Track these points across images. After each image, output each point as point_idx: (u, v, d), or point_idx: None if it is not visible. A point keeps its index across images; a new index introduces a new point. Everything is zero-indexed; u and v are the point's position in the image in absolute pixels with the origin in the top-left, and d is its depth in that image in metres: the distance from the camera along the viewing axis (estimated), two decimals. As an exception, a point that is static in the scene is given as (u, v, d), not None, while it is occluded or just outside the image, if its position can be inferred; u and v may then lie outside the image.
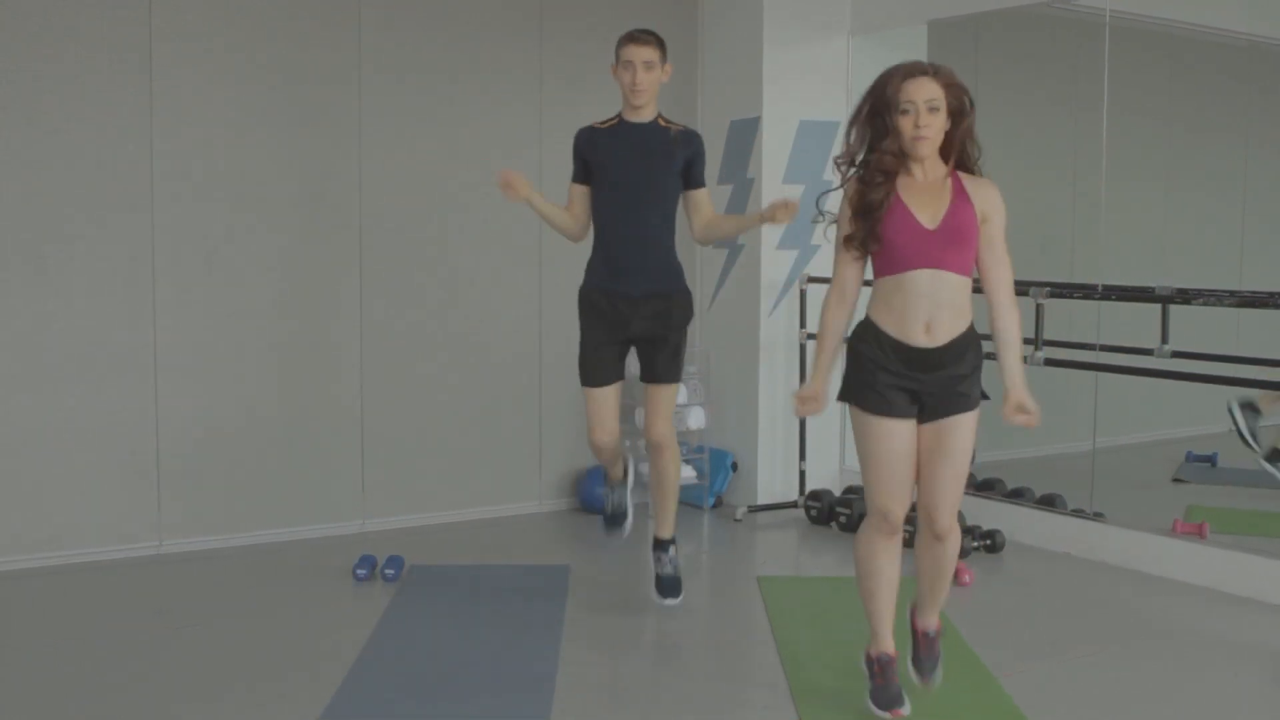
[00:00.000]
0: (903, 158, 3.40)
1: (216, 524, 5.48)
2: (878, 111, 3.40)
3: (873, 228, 3.40)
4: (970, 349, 3.44)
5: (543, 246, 6.16)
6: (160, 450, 5.34)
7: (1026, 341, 5.30)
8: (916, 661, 3.66)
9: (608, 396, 4.40)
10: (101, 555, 5.23)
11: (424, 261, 5.90)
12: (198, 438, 5.41)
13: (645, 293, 4.34)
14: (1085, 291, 5.28)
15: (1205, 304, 4.93)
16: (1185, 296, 4.94)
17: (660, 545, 4.60)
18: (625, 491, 4.68)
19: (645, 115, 4.44)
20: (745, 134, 6.16)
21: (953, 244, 3.37)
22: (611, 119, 4.51)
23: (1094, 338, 5.62)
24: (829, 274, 6.39)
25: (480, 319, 6.04)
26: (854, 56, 6.25)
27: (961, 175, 3.46)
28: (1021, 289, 5.23)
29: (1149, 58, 6.68)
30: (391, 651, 4.13)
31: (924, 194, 3.41)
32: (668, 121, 4.47)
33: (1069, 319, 5.67)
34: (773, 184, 6.06)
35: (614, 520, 4.69)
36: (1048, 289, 5.24)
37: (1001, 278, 3.46)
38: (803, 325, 6.14)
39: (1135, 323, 5.30)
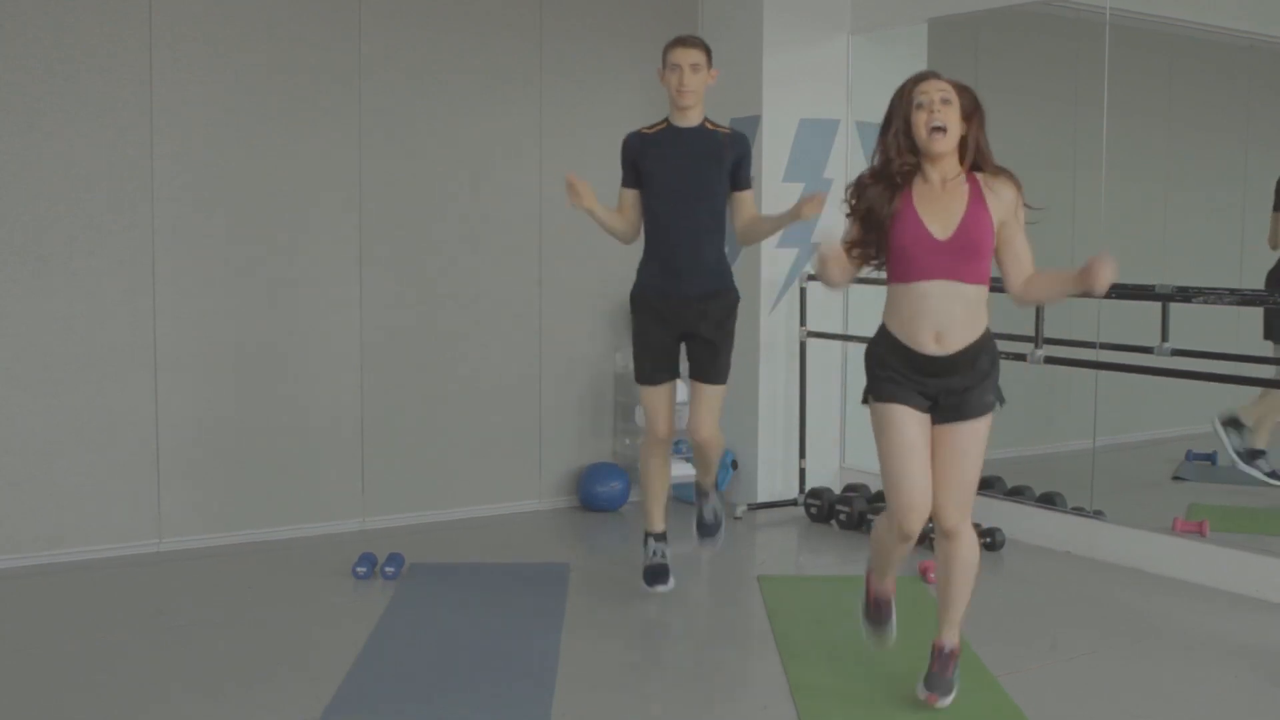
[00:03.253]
0: (916, 156, 3.39)
1: (216, 522, 5.48)
2: (895, 121, 3.42)
3: (881, 237, 3.41)
4: (983, 354, 3.43)
5: (543, 245, 6.16)
6: (160, 448, 5.34)
7: (1026, 339, 5.32)
8: (928, 679, 3.58)
9: (664, 394, 4.57)
10: (101, 553, 5.23)
11: (424, 259, 5.89)
12: (197, 435, 5.41)
13: (697, 293, 4.46)
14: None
15: (1205, 302, 4.93)
16: (1185, 295, 4.94)
17: (703, 492, 4.83)
18: (666, 547, 4.78)
19: (692, 118, 4.51)
20: (746, 132, 6.14)
21: (966, 255, 3.36)
22: (659, 124, 4.59)
23: (1094, 336, 5.62)
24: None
25: (480, 317, 6.04)
26: (854, 55, 6.25)
27: (979, 176, 3.44)
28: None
29: (1149, 56, 6.68)
30: (392, 649, 4.13)
31: (938, 201, 3.39)
32: (714, 125, 4.55)
33: (1069, 317, 5.67)
34: (773, 183, 6.06)
35: (656, 574, 4.72)
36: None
37: (1022, 273, 3.49)
38: (803, 323, 6.14)
39: (1135, 321, 5.30)
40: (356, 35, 5.68)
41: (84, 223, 5.15)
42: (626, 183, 4.57)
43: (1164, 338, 5.04)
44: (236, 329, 5.48)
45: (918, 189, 3.41)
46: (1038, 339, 5.26)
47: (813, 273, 3.49)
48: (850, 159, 6.18)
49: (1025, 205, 3.46)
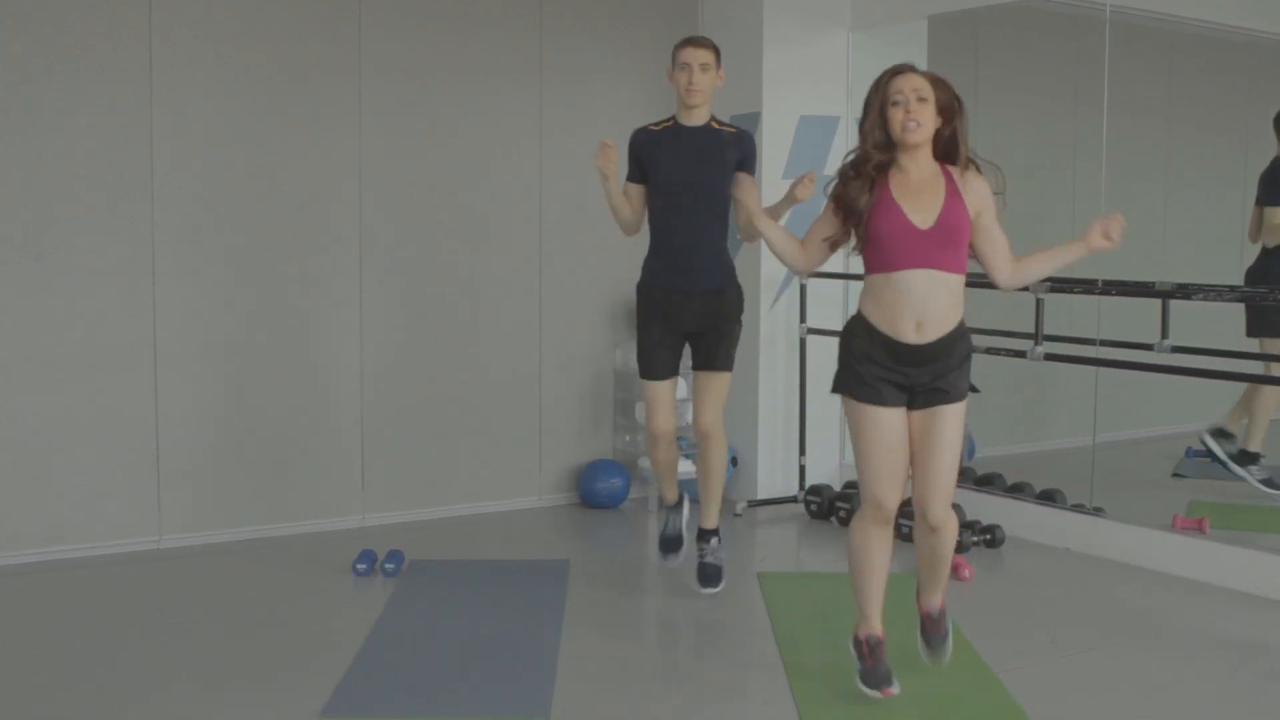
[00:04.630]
0: (891, 149, 3.44)
1: (216, 519, 5.48)
2: (871, 113, 3.47)
3: (859, 227, 3.46)
4: (960, 342, 3.48)
5: (543, 242, 6.16)
6: (160, 445, 5.34)
7: (1027, 336, 5.32)
8: (924, 637, 3.77)
9: (666, 389, 4.58)
10: (101, 550, 5.23)
11: (424, 256, 5.89)
12: (198, 433, 5.41)
13: (700, 289, 4.49)
14: (1085, 286, 5.28)
15: (1205, 299, 4.93)
16: (1185, 292, 4.93)
17: (704, 535, 4.74)
18: (681, 517, 4.82)
19: (699, 118, 4.54)
20: (746, 129, 6.14)
21: (947, 244, 3.41)
22: (665, 121, 4.61)
23: (1094, 333, 5.62)
24: (829, 269, 6.40)
25: (480, 314, 6.04)
26: (854, 52, 6.25)
27: (951, 170, 3.49)
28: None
29: (1149, 53, 6.68)
30: (392, 646, 4.13)
31: (917, 191, 3.44)
32: (720, 124, 4.57)
33: (1069, 314, 5.67)
34: (773, 179, 6.05)
35: (669, 544, 4.80)
36: (1047, 284, 5.24)
37: (1001, 255, 3.53)
38: (803, 320, 6.14)
39: (1135, 318, 5.30)
40: (356, 33, 5.67)
41: (84, 221, 5.15)
42: (631, 177, 4.59)
43: (1164, 335, 5.04)
44: (236, 326, 5.48)
45: (895, 180, 3.46)
46: (1038, 336, 5.26)
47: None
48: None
49: (996, 194, 3.53)
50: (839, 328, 6.20)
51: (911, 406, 3.50)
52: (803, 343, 6.16)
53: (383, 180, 5.77)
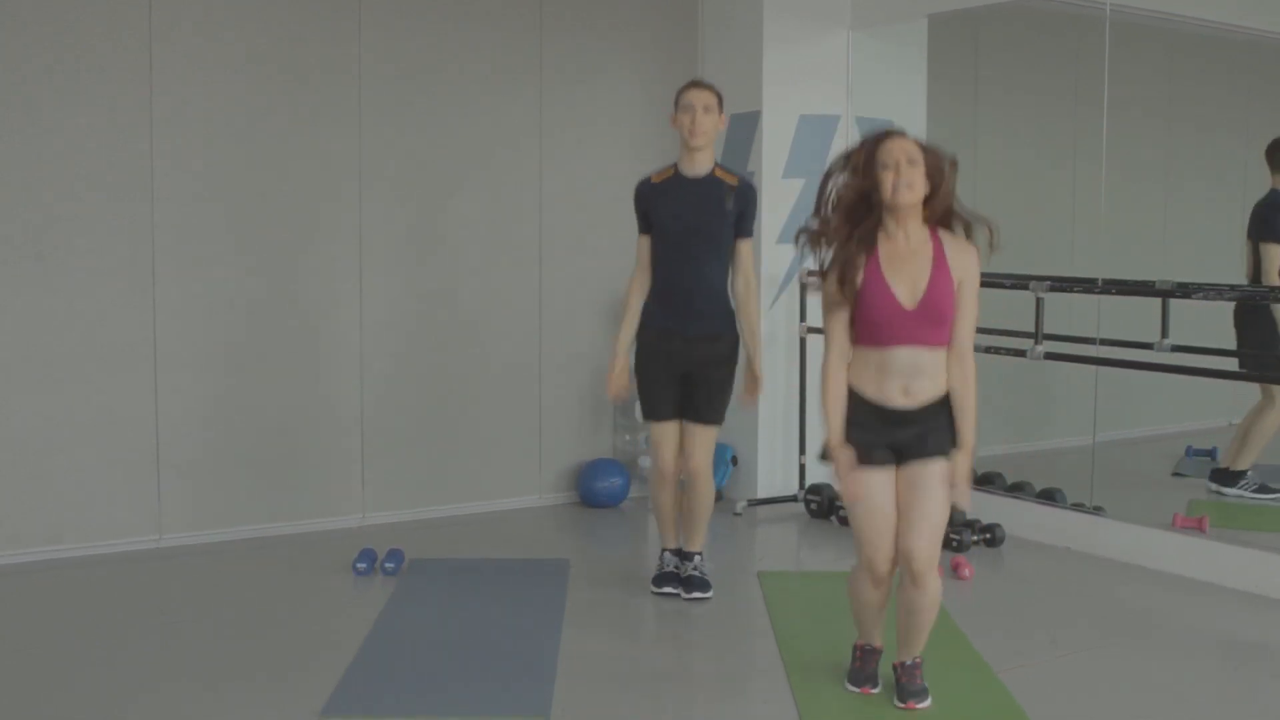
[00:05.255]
0: (880, 215, 3.44)
1: (216, 518, 5.48)
2: (856, 178, 3.45)
3: (850, 303, 3.48)
4: (946, 405, 3.51)
5: (543, 241, 6.16)
6: (160, 444, 5.34)
7: (1027, 335, 5.32)
8: (899, 690, 3.65)
9: (671, 429, 4.66)
10: (101, 549, 5.23)
11: (424, 255, 5.89)
12: (198, 432, 5.41)
13: (698, 333, 4.56)
14: (1085, 286, 5.28)
15: (1205, 298, 4.93)
16: (1185, 291, 4.94)
17: (686, 555, 4.80)
18: (677, 560, 4.84)
19: (701, 165, 4.58)
20: (745, 128, 6.16)
21: (932, 322, 3.43)
22: (667, 170, 4.66)
23: (1094, 332, 5.62)
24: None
25: (480, 313, 6.04)
26: (854, 51, 6.25)
27: (942, 235, 3.48)
28: (1021, 283, 5.29)
29: (1149, 52, 6.68)
30: (392, 645, 4.13)
31: (904, 263, 3.44)
32: (724, 173, 4.60)
33: (1069, 313, 5.67)
34: (773, 178, 6.06)
35: (664, 580, 4.79)
36: (1048, 283, 5.24)
37: (965, 331, 3.50)
38: (802, 319, 6.14)
39: (1135, 317, 5.30)
40: (356, 33, 5.67)
41: (84, 221, 5.15)
42: (642, 229, 4.67)
43: (1164, 334, 5.04)
44: (236, 326, 5.48)
45: (883, 248, 3.46)
46: (1038, 335, 5.26)
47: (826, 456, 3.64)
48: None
49: (992, 250, 3.50)
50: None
51: (900, 464, 3.52)
52: (802, 342, 6.16)
53: (383, 180, 5.77)
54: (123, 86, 5.19)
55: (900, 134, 3.47)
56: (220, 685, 3.79)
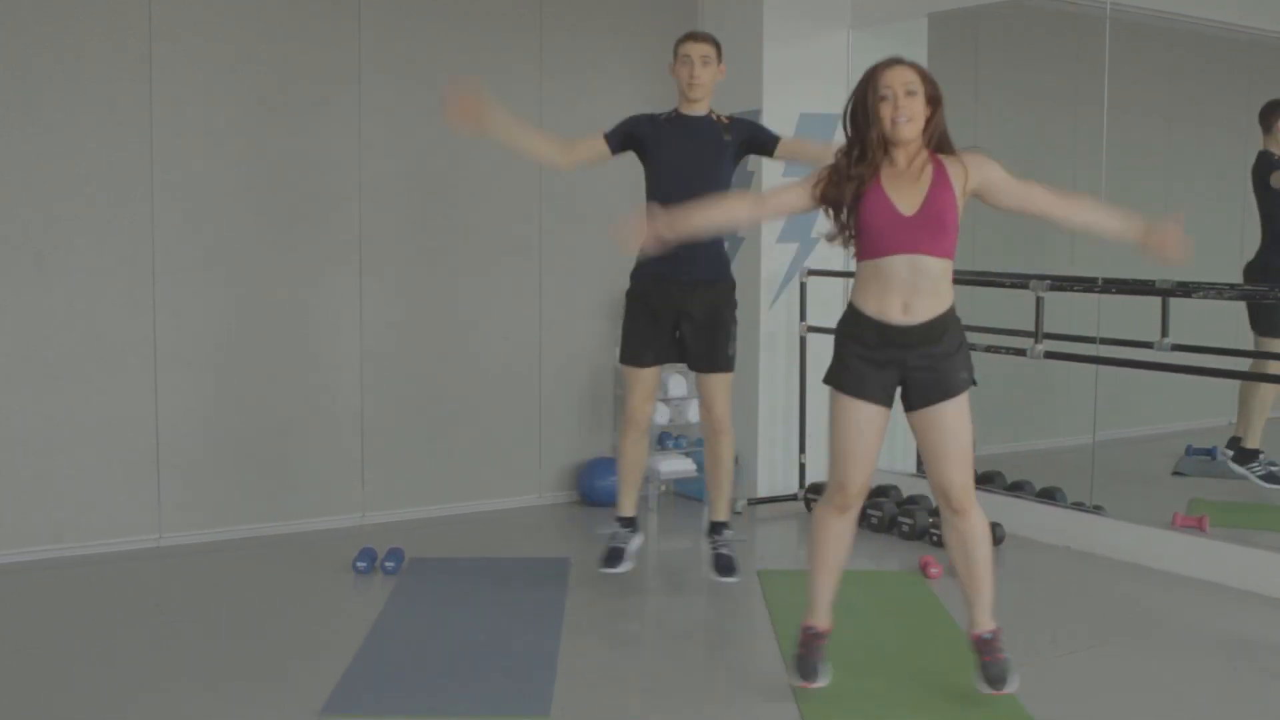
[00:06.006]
0: (884, 145, 3.45)
1: (216, 517, 5.48)
2: (860, 108, 3.47)
3: (850, 218, 3.50)
4: (949, 330, 3.50)
5: (542, 241, 6.16)
6: (160, 444, 5.34)
7: (1027, 334, 5.32)
8: (983, 670, 3.59)
9: (647, 377, 4.60)
10: (101, 548, 5.23)
11: (423, 255, 5.89)
12: (198, 431, 5.42)
13: (694, 278, 4.50)
14: (1085, 285, 5.28)
15: (1205, 298, 4.93)
16: (1186, 290, 4.94)
17: (716, 528, 4.76)
18: (632, 541, 4.77)
19: (699, 110, 4.57)
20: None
21: (930, 229, 3.43)
22: (668, 111, 4.63)
23: (1094, 331, 5.62)
24: (829, 267, 6.40)
25: (480, 313, 6.05)
26: (854, 50, 6.24)
27: (942, 158, 3.50)
28: (1021, 282, 5.29)
29: (1149, 52, 6.68)
30: (392, 644, 4.13)
31: (904, 181, 3.46)
32: (719, 116, 4.59)
33: (1069, 312, 5.67)
34: (773, 177, 6.05)
35: (612, 557, 4.71)
36: (1048, 282, 5.24)
37: (1040, 196, 3.51)
38: (803, 318, 6.14)
39: (1135, 316, 5.30)
40: (356, 33, 5.67)
41: (84, 221, 5.15)
42: (609, 136, 4.57)
43: (1164, 333, 5.04)
44: (236, 325, 5.48)
45: (885, 172, 3.49)
46: (1038, 334, 5.26)
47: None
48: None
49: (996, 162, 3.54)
50: (839, 326, 6.25)
51: (909, 402, 3.52)
52: (803, 341, 6.15)
53: (383, 180, 5.77)
54: (123, 86, 5.19)
55: (898, 61, 3.46)
56: (220, 685, 3.79)
